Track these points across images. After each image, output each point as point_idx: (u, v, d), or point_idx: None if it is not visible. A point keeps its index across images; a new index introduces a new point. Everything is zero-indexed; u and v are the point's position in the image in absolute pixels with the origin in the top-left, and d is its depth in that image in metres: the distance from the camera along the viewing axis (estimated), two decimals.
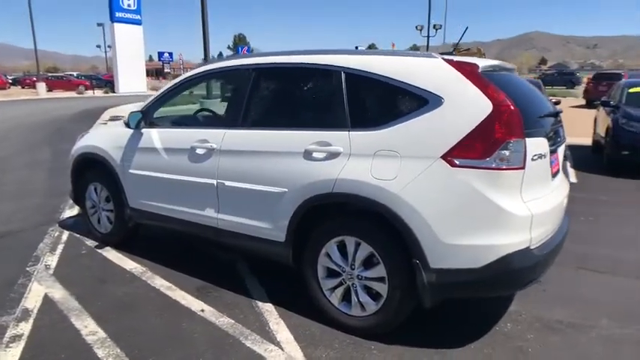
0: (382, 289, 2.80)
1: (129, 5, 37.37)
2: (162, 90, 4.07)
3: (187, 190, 3.67)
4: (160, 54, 50.72)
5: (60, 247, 4.51)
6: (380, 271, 2.79)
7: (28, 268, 4.01)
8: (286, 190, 3.06)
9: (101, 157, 4.31)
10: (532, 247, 2.57)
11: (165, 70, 64.51)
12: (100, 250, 4.44)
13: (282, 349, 2.81)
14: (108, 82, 40.28)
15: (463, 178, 2.49)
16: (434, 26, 32.25)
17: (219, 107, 4.23)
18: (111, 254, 4.34)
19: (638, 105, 8.39)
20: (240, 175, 3.30)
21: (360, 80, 2.91)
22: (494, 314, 3.20)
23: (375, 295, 2.86)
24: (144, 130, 3.98)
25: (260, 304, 3.37)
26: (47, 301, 3.44)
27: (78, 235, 4.83)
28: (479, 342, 2.88)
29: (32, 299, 3.45)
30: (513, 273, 2.53)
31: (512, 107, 2.49)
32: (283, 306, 3.32)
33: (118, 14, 36.71)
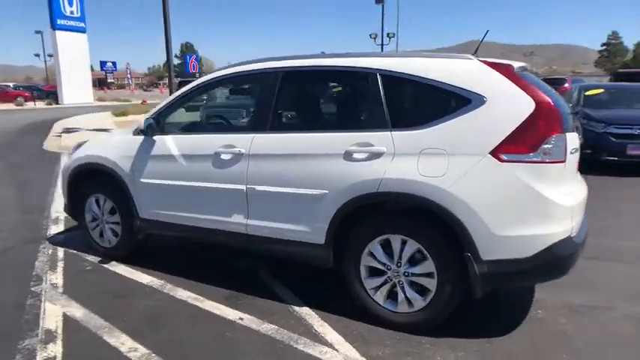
0: (430, 284, 2.88)
1: (72, 12, 35.60)
2: (174, 96, 3.96)
3: (211, 197, 3.58)
4: (103, 63, 48.77)
5: (60, 265, 4.25)
6: (428, 266, 2.86)
7: (33, 288, 3.75)
8: (326, 191, 3.07)
9: (107, 167, 4.11)
10: (572, 236, 2.74)
11: (109, 80, 62.02)
12: (106, 265, 4.22)
13: (336, 350, 2.81)
14: (50, 93, 38.08)
15: (511, 172, 2.63)
16: (387, 34, 33.19)
17: (233, 113, 4.16)
18: (119, 269, 4.14)
19: (595, 106, 9.08)
20: (273, 179, 3.28)
21: (398, 81, 2.98)
22: (523, 303, 3.35)
23: (422, 291, 2.93)
24: (157, 138, 3.85)
25: (297, 308, 3.35)
26: (69, 320, 3.24)
27: (75, 251, 4.56)
28: (520, 329, 3.02)
29: (51, 319, 3.24)
30: (558, 261, 2.68)
31: (552, 104, 2.65)
32: (321, 309, 3.31)
33: (60, 22, 34.87)
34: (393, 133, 2.90)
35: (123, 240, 4.23)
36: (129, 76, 65.20)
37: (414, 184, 2.78)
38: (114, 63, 50.56)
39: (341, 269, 3.20)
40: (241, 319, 3.23)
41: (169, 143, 3.78)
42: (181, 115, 4.05)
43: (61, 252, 4.58)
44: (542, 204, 2.62)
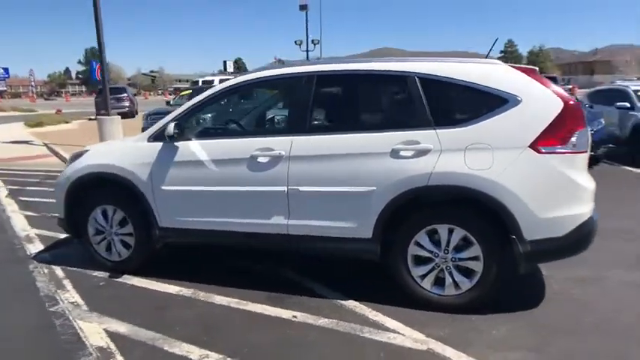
0: (477, 266, 3.18)
1: None
2: (194, 102, 3.90)
3: (247, 201, 3.60)
4: None
5: (67, 283, 3.98)
6: (475, 251, 3.17)
7: (52, 309, 3.49)
8: (374, 188, 3.26)
9: (120, 176, 3.93)
10: (592, 215, 3.20)
11: (1, 89, 56.18)
12: (119, 280, 4.03)
13: (402, 335, 3.01)
14: None
15: (548, 162, 3.02)
16: (312, 41, 33.85)
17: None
18: (136, 281, 3.98)
19: None
20: (318, 179, 3.39)
21: (436, 84, 3.26)
22: (538, 280, 3.78)
23: (468, 273, 3.23)
24: (180, 144, 3.77)
25: (342, 302, 3.48)
26: (115, 336, 3.09)
27: (74, 268, 4.28)
28: (547, 301, 3.43)
29: (95, 337, 3.07)
30: (585, 236, 3.13)
31: (576, 103, 3.09)
32: (365, 300, 3.47)
33: None
34: (438, 131, 3.17)
35: (136, 251, 4.06)
36: (33, 84, 59.66)
37: (463, 177, 3.07)
38: (5, 69, 45.75)
39: (387, 260, 3.40)
40: (295, 316, 3.30)
41: (196, 149, 3.73)
42: (200, 121, 4.01)
43: (58, 270, 4.26)
44: (573, 189, 3.05)
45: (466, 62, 3.35)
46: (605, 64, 69.64)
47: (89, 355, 2.86)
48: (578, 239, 3.10)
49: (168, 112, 11.98)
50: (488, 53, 3.81)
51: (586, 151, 3.14)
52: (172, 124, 3.66)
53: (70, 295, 3.72)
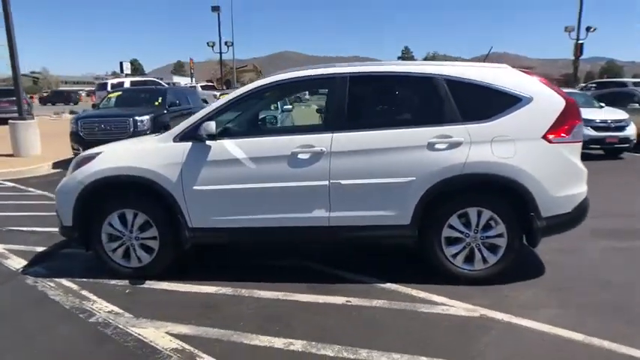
0: (502, 242, 3.69)
1: None
2: (224, 101, 3.91)
3: (287, 196, 3.73)
4: None
5: (87, 294, 3.75)
6: (500, 229, 3.66)
7: (92, 320, 3.31)
8: (413, 178, 3.61)
9: (145, 178, 3.81)
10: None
11: None
12: (145, 285, 3.89)
13: (453, 306, 3.39)
14: None
15: (557, 150, 3.61)
16: (225, 43, 33.35)
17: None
18: (165, 285, 3.88)
19: None
20: (359, 172, 3.65)
21: (461, 85, 3.71)
22: (530, 253, 4.40)
23: (494, 249, 3.72)
24: (213, 142, 3.77)
25: (382, 285, 3.77)
26: (185, 337, 3.05)
27: (82, 279, 4.02)
28: (547, 268, 4.04)
29: (163, 341, 3.01)
30: (584, 210, 3.78)
31: (574, 102, 3.73)
32: (401, 281, 3.80)
33: None
34: (468, 125, 3.62)
35: (160, 255, 3.95)
36: None
37: (493, 165, 3.55)
38: None
39: (423, 243, 3.76)
40: (349, 301, 3.52)
41: (231, 147, 3.76)
42: (234, 120, 4.02)
43: (66, 282, 3.98)
44: (576, 171, 3.69)
45: (481, 66, 3.85)
46: None
47: (168, 357, 2.82)
48: (580, 213, 3.75)
49: (102, 116, 11.18)
50: (485, 57, 4.36)
51: (582, 141, 3.80)
52: (212, 123, 3.66)
53: (101, 305, 3.54)
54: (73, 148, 10.26)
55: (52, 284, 3.95)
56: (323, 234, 3.81)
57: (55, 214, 4.21)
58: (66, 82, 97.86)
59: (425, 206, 3.65)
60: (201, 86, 29.44)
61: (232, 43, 34.08)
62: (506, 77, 3.75)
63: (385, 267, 4.16)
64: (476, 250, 3.73)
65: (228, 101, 3.91)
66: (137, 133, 10.45)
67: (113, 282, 3.97)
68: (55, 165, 10.28)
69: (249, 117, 4.30)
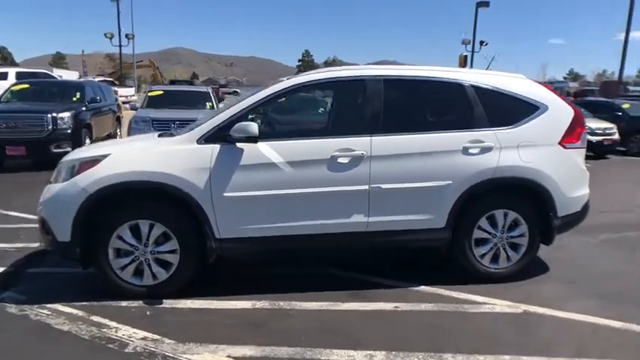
0: (524, 241, 3.93)
1: None
2: (249, 102, 3.61)
3: (326, 202, 3.58)
4: None
5: (102, 319, 3.22)
6: (523, 229, 3.91)
7: (128, 350, 2.86)
8: (450, 182, 3.70)
9: (167, 184, 3.38)
10: None
11: None
12: (167, 305, 3.46)
13: (495, 304, 3.53)
14: None
15: (570, 155, 3.96)
16: (126, 36, 30.88)
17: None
18: (189, 303, 3.49)
19: None
20: (399, 176, 3.64)
21: (487, 92, 3.89)
22: None
23: (516, 248, 3.95)
24: (245, 145, 3.48)
25: (418, 289, 3.80)
26: (252, 359, 2.77)
27: (82, 303, 3.44)
28: (553, 267, 4.34)
29: None
30: (587, 210, 4.18)
31: (579, 112, 4.12)
32: (433, 284, 3.85)
33: None
34: (497, 131, 3.80)
35: (181, 270, 3.54)
36: None
37: (521, 169, 3.78)
38: None
39: (453, 245, 3.86)
40: (397, 307, 3.49)
41: (266, 150, 3.50)
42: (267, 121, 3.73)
43: (65, 307, 3.39)
44: (583, 174, 4.07)
45: (502, 75, 4.07)
46: None
47: None
48: (585, 211, 4.15)
49: (7, 111, 9.64)
50: (488, 67, 4.62)
51: (586, 147, 4.20)
52: (254, 125, 3.37)
53: (128, 332, 3.06)
54: None
55: (45, 311, 3.32)
56: (360, 240, 3.73)
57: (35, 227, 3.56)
58: None
59: (459, 209, 3.76)
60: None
61: (133, 36, 31.67)
62: (525, 86, 4.01)
63: (407, 270, 4.20)
64: (501, 250, 3.93)
65: (258, 101, 3.64)
66: (57, 132, 9.25)
67: (124, 304, 3.46)
68: None
69: (282, 118, 4.03)
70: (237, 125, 3.42)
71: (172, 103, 11.04)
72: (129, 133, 9.93)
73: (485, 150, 3.76)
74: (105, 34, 30.51)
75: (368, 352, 2.87)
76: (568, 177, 3.96)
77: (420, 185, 3.67)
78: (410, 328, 3.18)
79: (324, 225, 3.63)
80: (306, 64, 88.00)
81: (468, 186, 3.73)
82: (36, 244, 4.66)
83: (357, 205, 3.64)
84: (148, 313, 3.35)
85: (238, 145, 3.48)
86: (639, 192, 8.28)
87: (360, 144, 3.61)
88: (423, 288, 3.82)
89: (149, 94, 11.74)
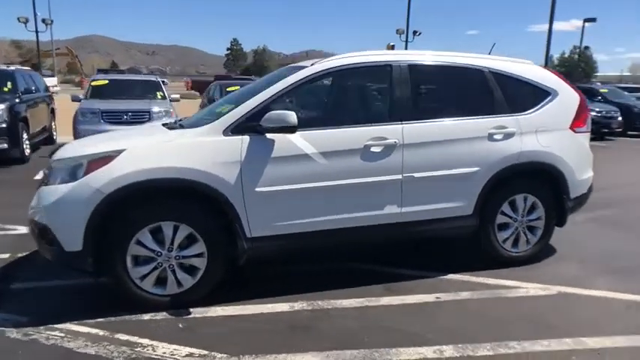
0: (541, 224, 4.03)
1: None
2: (277, 89, 3.33)
3: (360, 193, 3.42)
4: None
5: (130, 337, 2.83)
6: (540, 212, 4.00)
7: None
8: (478, 168, 3.69)
9: (195, 181, 3.04)
10: None
11: None
12: (194, 315, 3.12)
13: (528, 288, 3.58)
14: None
15: (579, 139, 4.11)
16: (43, 21, 28.06)
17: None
18: (219, 310, 3.18)
19: None
20: (430, 164, 3.56)
21: (504, 77, 3.91)
22: None
23: (534, 231, 4.04)
24: (275, 136, 3.21)
25: (449, 277, 3.76)
26: None
27: (98, 320, 3.01)
28: (557, 248, 4.53)
29: None
30: (591, 191, 4.37)
31: (584, 96, 4.27)
32: (460, 271, 3.85)
33: None
34: (516, 117, 3.84)
35: (209, 275, 3.21)
36: None
37: (540, 154, 3.85)
38: None
39: (478, 231, 3.87)
40: (438, 297, 3.43)
41: (298, 141, 3.26)
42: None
43: (79, 327, 2.94)
44: (589, 157, 4.24)
45: (516, 61, 4.11)
46: None
47: None
48: (590, 192, 4.33)
49: None
50: (489, 54, 4.65)
51: (590, 130, 4.37)
52: (291, 113, 3.09)
53: (168, 349, 2.71)
54: None
55: (57, 333, 2.86)
56: (393, 231, 3.60)
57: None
58: None
59: (485, 195, 3.76)
60: None
61: (52, 21, 28.88)
62: (537, 72, 4.09)
63: (424, 259, 4.17)
64: (521, 234, 4.01)
65: (284, 88, 3.37)
66: None
67: (146, 317, 3.08)
68: None
69: (311, 106, 3.76)
70: (269, 114, 3.14)
71: (120, 94, 10.24)
72: (75, 127, 9.05)
73: (509, 136, 3.79)
74: (19, 19, 27.39)
75: (436, 347, 2.77)
76: (578, 160, 4.11)
77: (450, 173, 3.62)
78: (462, 319, 3.13)
79: (357, 218, 3.46)
80: (236, 52, 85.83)
81: (494, 172, 3.74)
82: (6, 255, 4.09)
83: (391, 196, 3.51)
84: (180, 325, 3.00)
85: (268, 135, 3.21)
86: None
87: (392, 132, 3.48)
88: (452, 276, 3.79)
89: (92, 83, 10.74)
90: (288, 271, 3.89)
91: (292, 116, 3.10)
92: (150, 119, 9.24)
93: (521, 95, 3.99)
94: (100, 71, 14.37)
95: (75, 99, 10.43)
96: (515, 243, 4.02)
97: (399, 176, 3.49)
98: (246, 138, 3.19)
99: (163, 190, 3.07)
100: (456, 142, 3.64)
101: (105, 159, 3.01)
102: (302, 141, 3.27)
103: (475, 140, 3.69)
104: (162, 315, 3.11)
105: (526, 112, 3.91)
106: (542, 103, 3.99)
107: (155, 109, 9.40)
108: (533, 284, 3.65)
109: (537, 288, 3.60)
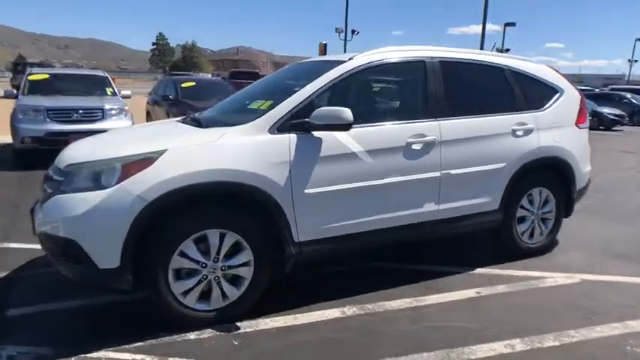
0: (552, 216, 4.22)
1: None
2: (317, 86, 3.14)
3: (402, 192, 3.36)
4: None
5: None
6: (552, 205, 4.19)
7: None
8: (505, 164, 3.77)
9: (245, 184, 2.79)
10: None
11: None
12: (244, 330, 2.88)
13: (554, 278, 3.72)
14: None
15: (582, 134, 4.34)
16: None
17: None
18: (270, 323, 2.96)
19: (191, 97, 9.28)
20: (465, 161, 3.58)
21: (521, 76, 4.04)
22: None
23: (546, 223, 4.22)
24: (322, 134, 3.04)
25: (478, 271, 3.82)
26: None
27: (137, 344, 2.68)
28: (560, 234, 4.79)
29: None
30: (590, 183, 4.64)
31: (582, 94, 4.52)
32: (484, 265, 3.92)
33: None
34: (533, 114, 3.98)
35: (256, 285, 2.98)
36: None
37: (555, 149, 4.02)
38: None
39: (502, 225, 3.96)
40: (479, 292, 3.45)
41: (344, 139, 3.11)
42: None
43: (119, 354, 2.59)
44: (588, 151, 4.50)
45: (528, 60, 4.25)
46: (246, 62, 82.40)
47: None
48: (589, 184, 4.60)
49: None
50: (488, 47, 4.79)
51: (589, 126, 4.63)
52: (347, 110, 2.92)
53: None
54: None
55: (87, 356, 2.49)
56: (429, 229, 3.57)
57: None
58: None
59: (509, 190, 3.86)
60: None
61: None
62: (547, 71, 4.27)
63: (440, 254, 4.23)
64: (536, 226, 4.16)
65: (323, 86, 3.20)
66: None
67: (192, 336, 2.79)
68: None
69: (352, 101, 3.56)
70: (320, 111, 2.96)
71: (63, 90, 9.30)
72: (15, 125, 8.06)
73: (528, 132, 3.91)
74: None
75: (505, 342, 2.78)
76: (582, 154, 4.34)
77: (481, 169, 3.67)
78: (513, 311, 3.17)
79: (399, 217, 3.39)
80: (162, 47, 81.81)
81: (518, 167, 3.84)
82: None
83: (430, 193, 3.49)
84: (235, 343, 2.74)
85: (315, 133, 3.03)
86: None
87: (431, 129, 3.44)
88: (479, 270, 3.85)
89: (29, 77, 9.61)
90: (320, 274, 3.73)
91: (347, 112, 2.94)
92: (103, 118, 8.51)
93: (536, 93, 4.14)
94: (33, 65, 13.02)
95: (8, 95, 9.35)
96: (531, 235, 4.17)
97: (438, 173, 3.47)
98: (293, 137, 2.99)
99: (210, 195, 2.79)
100: (486, 138, 3.69)
101: (145, 161, 2.66)
102: (349, 139, 3.13)
103: (501, 136, 3.77)
104: (209, 332, 2.83)
105: (541, 109, 4.06)
106: (552, 101, 4.16)
107: (107, 106, 8.66)
108: (557, 274, 3.81)
109: (563, 277, 3.75)
